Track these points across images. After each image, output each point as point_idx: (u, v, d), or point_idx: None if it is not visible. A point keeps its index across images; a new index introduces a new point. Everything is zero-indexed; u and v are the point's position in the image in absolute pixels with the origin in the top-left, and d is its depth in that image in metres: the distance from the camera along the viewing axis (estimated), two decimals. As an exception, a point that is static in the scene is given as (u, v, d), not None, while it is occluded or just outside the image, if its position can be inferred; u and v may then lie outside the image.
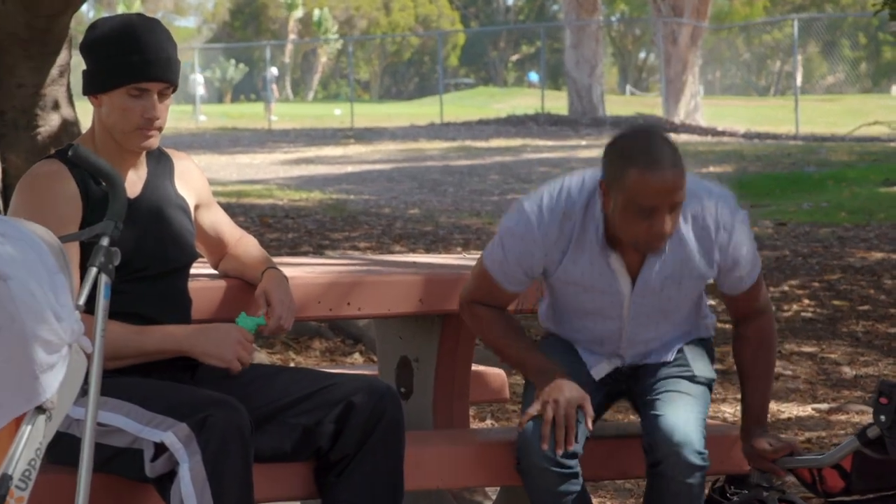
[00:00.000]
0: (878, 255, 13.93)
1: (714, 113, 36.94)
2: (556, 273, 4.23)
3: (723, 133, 30.10)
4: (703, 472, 4.23)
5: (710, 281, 4.39)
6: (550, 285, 4.32)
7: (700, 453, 4.20)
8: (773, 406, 7.62)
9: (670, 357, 4.44)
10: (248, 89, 60.53)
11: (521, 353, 4.25)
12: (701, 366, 4.42)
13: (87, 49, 3.94)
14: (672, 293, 4.30)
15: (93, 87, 3.95)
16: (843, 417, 7.53)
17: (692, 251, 4.25)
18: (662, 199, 4.02)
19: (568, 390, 4.10)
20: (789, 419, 7.51)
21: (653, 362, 4.44)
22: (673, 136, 31.59)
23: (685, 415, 4.27)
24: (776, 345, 4.43)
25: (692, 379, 4.38)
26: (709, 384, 4.48)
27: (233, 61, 62.59)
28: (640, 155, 4.05)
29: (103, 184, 3.69)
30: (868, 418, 6.91)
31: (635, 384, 4.46)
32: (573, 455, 4.17)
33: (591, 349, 4.41)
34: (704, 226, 4.24)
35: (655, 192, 4.02)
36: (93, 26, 3.94)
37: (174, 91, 4.02)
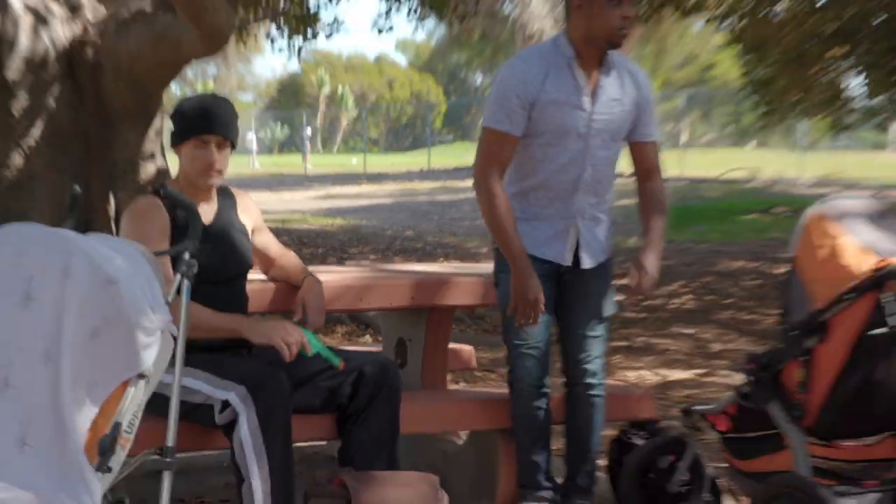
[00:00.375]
0: (739, 264, 14.21)
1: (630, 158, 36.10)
2: (541, 95, 4.05)
3: (633, 175, 29.30)
4: (602, 393, 4.29)
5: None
6: (533, 120, 4.07)
7: (601, 383, 4.29)
8: (664, 371, 7.83)
9: (602, 257, 4.29)
10: (290, 145, 60.64)
11: (508, 236, 4.02)
12: (609, 304, 4.31)
13: (173, 117, 4.04)
14: (615, 119, 4.18)
15: (175, 142, 4.03)
16: (712, 379, 7.67)
17: (626, 82, 4.20)
18: None
19: (531, 291, 3.98)
20: (675, 381, 7.53)
21: (587, 267, 4.24)
22: None
23: (598, 357, 4.27)
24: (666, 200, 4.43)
25: (602, 319, 4.28)
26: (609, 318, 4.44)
27: (279, 124, 62.38)
28: None
29: (184, 214, 3.79)
30: (730, 380, 6.98)
31: (568, 290, 4.28)
32: (545, 377, 4.19)
33: (549, 241, 4.20)
34: (631, 69, 4.25)
35: None
36: (180, 103, 4.12)
37: (233, 147, 4.09)
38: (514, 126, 4.06)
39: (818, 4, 12.60)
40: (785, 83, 13.89)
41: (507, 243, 4.07)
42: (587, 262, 4.26)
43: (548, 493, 4.25)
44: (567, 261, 4.21)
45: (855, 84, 14.57)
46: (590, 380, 4.24)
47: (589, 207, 4.24)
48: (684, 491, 4.38)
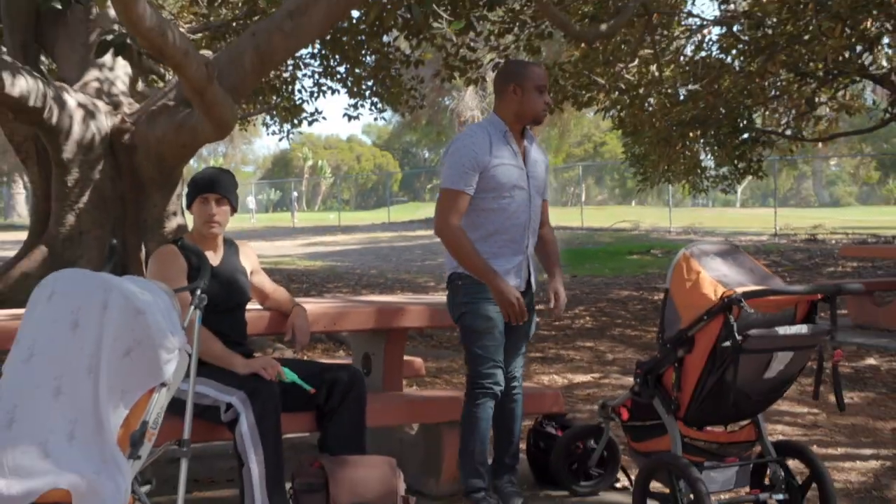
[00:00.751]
0: (626, 293, 14.13)
1: None
2: (490, 160, 4.04)
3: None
4: (521, 392, 4.27)
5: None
6: (485, 179, 4.03)
7: (521, 385, 4.29)
8: (570, 376, 7.74)
9: (533, 280, 4.24)
10: (282, 204, 60.60)
11: (479, 261, 3.93)
12: (533, 326, 4.28)
13: (188, 185, 4.07)
14: (541, 176, 4.22)
15: (188, 203, 4.06)
16: (608, 381, 7.40)
17: (540, 150, 4.29)
18: (545, 80, 4.16)
19: (512, 294, 3.93)
20: (578, 383, 7.33)
21: (527, 289, 4.20)
22: None
23: (522, 366, 4.28)
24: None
25: (529, 337, 4.28)
26: None
27: (273, 189, 62.35)
28: (530, 64, 4.22)
29: (196, 259, 3.80)
30: (622, 382, 6.95)
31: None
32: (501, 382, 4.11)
33: (508, 274, 4.09)
34: (537, 142, 4.31)
35: (544, 76, 4.15)
36: (194, 175, 4.09)
37: (233, 209, 4.08)
38: (468, 186, 4.01)
39: (679, 99, 12.80)
40: (656, 157, 14.02)
41: (480, 266, 3.99)
42: (533, 288, 4.24)
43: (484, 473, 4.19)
44: (522, 287, 4.14)
45: (707, 158, 14.76)
46: (514, 383, 4.22)
47: (531, 245, 4.21)
48: (598, 469, 4.51)
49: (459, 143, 4.12)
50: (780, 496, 3.85)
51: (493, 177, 4.05)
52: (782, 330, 3.59)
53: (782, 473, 3.87)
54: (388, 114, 21.23)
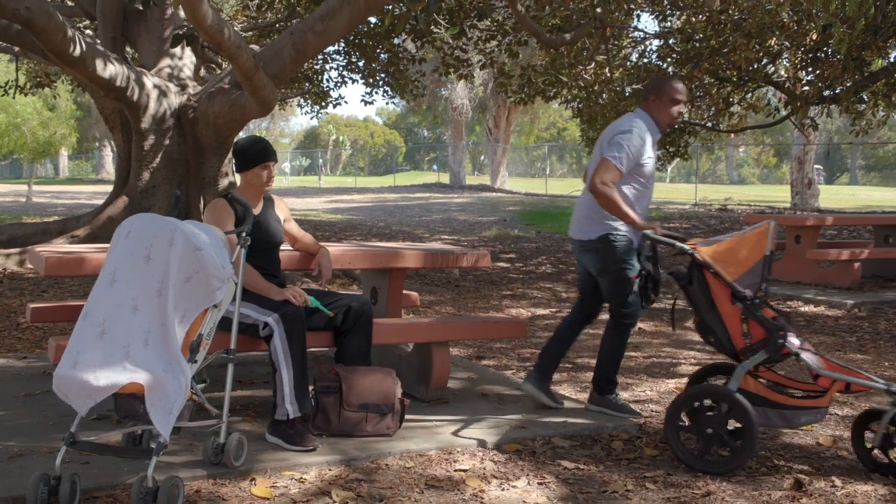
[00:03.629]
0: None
1: (513, 183, 35.96)
2: (647, 154, 3.89)
3: (516, 192, 29.05)
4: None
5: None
6: (637, 167, 3.89)
7: None
8: (532, 309, 7.67)
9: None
10: (311, 170, 59.75)
11: (631, 213, 3.72)
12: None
13: (238, 153, 3.86)
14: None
15: (244, 167, 3.86)
16: (562, 315, 7.39)
17: None
18: (681, 95, 3.99)
19: (652, 225, 3.71)
20: (539, 315, 7.32)
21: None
22: (492, 193, 29.43)
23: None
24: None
25: None
26: None
27: (304, 157, 61.84)
28: (670, 79, 4.00)
29: (242, 209, 3.74)
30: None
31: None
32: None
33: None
34: None
35: (682, 91, 3.99)
36: (238, 142, 3.92)
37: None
38: (624, 167, 3.83)
39: (626, 95, 12.74)
40: (605, 141, 13.99)
41: (631, 216, 3.78)
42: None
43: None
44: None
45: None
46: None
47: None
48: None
49: (634, 133, 3.90)
50: None
51: (642, 166, 3.93)
52: None
53: None
54: (396, 100, 21.07)
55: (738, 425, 3.36)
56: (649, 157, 3.96)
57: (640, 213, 3.98)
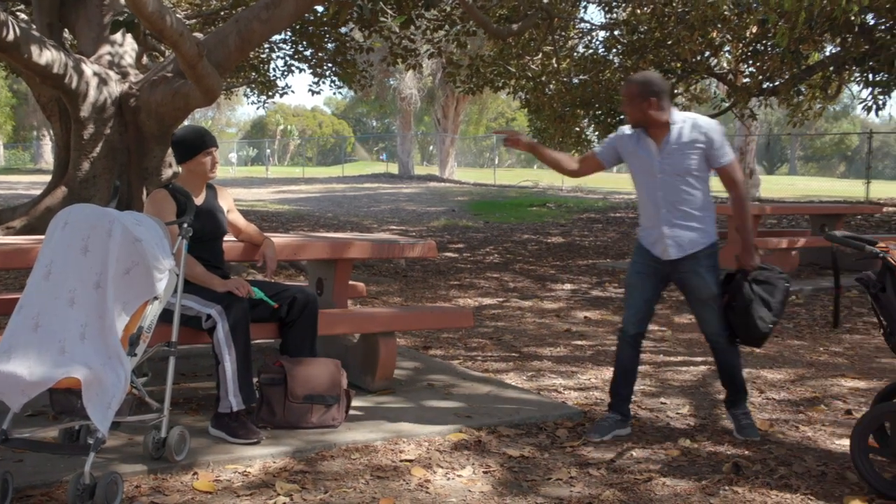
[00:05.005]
0: (526, 236, 14.26)
1: (462, 173, 36.06)
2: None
3: (464, 183, 29.02)
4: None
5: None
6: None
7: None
8: (479, 299, 7.71)
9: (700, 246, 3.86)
10: (258, 160, 59.09)
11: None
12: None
13: (177, 144, 3.82)
14: (683, 159, 3.66)
15: (185, 158, 3.80)
16: (509, 304, 7.46)
17: (687, 134, 3.64)
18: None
19: None
20: (486, 305, 7.38)
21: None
22: (440, 184, 29.49)
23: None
24: (743, 204, 3.73)
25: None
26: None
27: (251, 147, 61.05)
28: (662, 80, 3.68)
29: (184, 199, 3.66)
30: (519, 306, 6.81)
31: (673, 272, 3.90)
32: None
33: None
34: (696, 124, 3.63)
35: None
36: (176, 133, 3.87)
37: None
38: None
39: (572, 86, 12.86)
40: (552, 131, 14.03)
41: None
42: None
43: None
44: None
45: (591, 132, 14.83)
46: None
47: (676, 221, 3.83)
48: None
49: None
50: None
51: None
52: None
53: None
54: (344, 90, 20.93)
55: None
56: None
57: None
